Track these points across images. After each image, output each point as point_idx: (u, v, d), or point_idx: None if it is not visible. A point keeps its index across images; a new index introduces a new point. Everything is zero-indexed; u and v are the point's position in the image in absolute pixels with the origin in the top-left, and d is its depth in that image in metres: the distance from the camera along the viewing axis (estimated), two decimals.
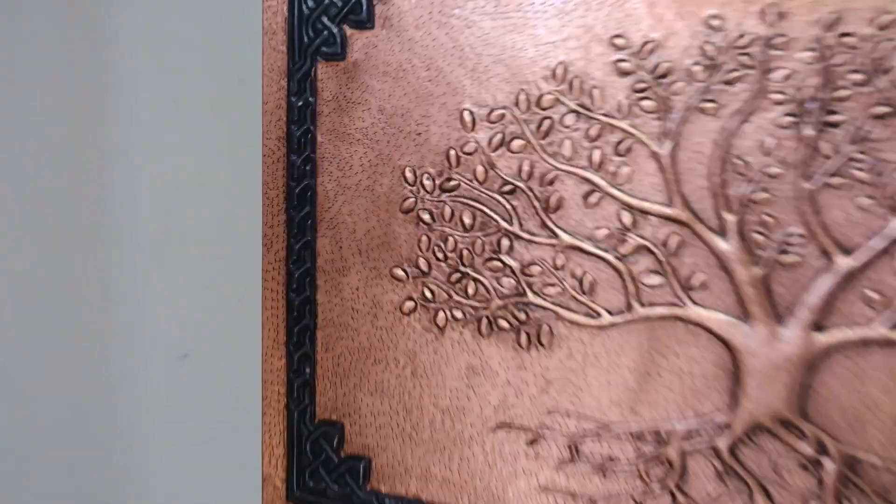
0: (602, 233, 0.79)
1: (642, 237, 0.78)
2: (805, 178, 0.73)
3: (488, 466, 0.84)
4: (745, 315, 0.76)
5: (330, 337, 0.89)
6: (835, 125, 0.72)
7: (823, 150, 0.73)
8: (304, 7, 0.87)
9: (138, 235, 1.14)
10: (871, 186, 0.72)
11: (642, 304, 0.79)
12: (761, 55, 0.73)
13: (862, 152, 0.72)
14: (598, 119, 0.79)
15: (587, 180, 0.79)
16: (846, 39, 0.72)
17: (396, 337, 0.86)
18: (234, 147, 0.92)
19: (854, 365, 0.73)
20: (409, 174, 0.85)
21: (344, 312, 0.88)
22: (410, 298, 0.86)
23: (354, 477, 0.89)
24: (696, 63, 0.75)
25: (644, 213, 0.78)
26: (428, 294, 0.85)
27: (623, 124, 0.78)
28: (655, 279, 0.78)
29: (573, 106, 0.79)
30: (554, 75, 0.79)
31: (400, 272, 0.86)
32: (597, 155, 0.79)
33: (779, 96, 0.74)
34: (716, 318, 0.76)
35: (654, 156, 0.77)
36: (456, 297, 0.84)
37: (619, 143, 0.78)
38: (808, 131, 0.73)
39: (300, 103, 0.88)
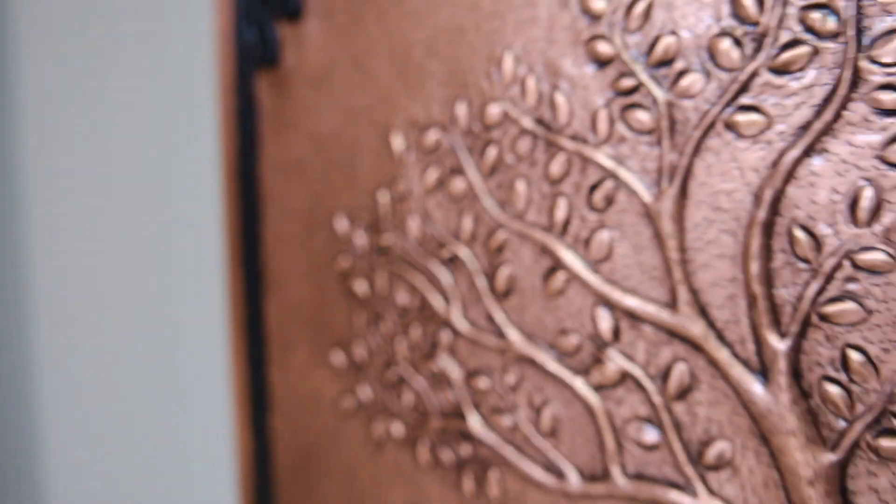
0: (570, 342, 0.37)
1: (629, 358, 0.35)
2: None
3: None
4: None
5: (282, 425, 0.55)
6: None
7: None
8: None
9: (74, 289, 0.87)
10: None
11: (626, 474, 0.36)
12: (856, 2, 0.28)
13: None
14: (562, 145, 0.37)
15: (547, 250, 0.38)
16: None
17: (338, 443, 0.51)
18: (198, 178, 0.62)
19: None
20: (341, 224, 0.48)
21: (293, 399, 0.54)
22: (349, 394, 0.49)
23: None
24: (723, 34, 0.31)
25: (633, 316, 0.35)
26: (364, 394, 0.48)
27: (599, 155, 0.35)
28: (649, 435, 0.35)
29: (526, 123, 0.38)
30: (501, 70, 0.39)
31: (337, 357, 0.50)
32: (562, 208, 0.37)
33: (888, 95, 0.27)
34: None
35: (648, 213, 0.34)
36: (392, 406, 0.47)
37: (594, 187, 0.36)
38: None
39: (244, 126, 0.55)
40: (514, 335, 0.39)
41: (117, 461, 0.80)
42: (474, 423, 0.41)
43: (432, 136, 0.41)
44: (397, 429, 0.45)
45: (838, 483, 0.29)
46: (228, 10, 0.53)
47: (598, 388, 0.36)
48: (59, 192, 0.85)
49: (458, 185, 0.40)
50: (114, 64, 0.72)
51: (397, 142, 0.43)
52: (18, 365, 0.97)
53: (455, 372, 0.42)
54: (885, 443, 0.28)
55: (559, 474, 0.37)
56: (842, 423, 0.29)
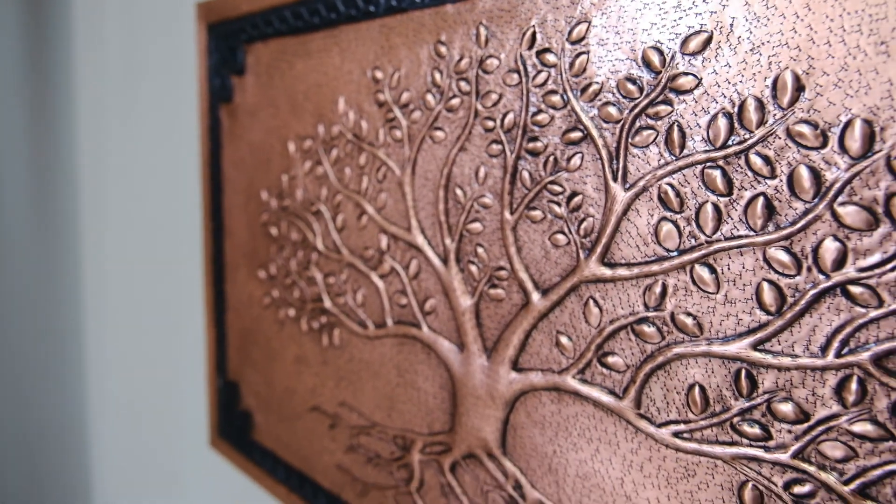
0: (369, 253, 0.54)
1: (394, 259, 0.52)
2: (508, 209, 0.43)
3: (308, 440, 0.62)
4: (460, 344, 0.47)
5: (232, 318, 0.72)
6: (535, 153, 0.42)
7: (524, 180, 0.42)
8: (210, 60, 0.69)
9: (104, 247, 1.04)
10: (565, 221, 0.40)
11: (394, 322, 0.53)
12: (475, 79, 0.44)
13: (556, 182, 0.41)
14: (364, 148, 0.53)
15: (358, 205, 0.54)
16: (546, 57, 0.41)
17: (261, 325, 0.67)
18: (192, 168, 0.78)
19: (547, 411, 0.42)
20: (263, 195, 0.65)
21: (237, 301, 0.71)
22: (268, 295, 0.66)
23: (246, 427, 0.71)
24: (429, 91, 0.48)
25: (395, 237, 0.52)
26: (275, 294, 0.65)
27: (380, 152, 0.51)
28: (403, 299, 0.52)
29: (350, 136, 0.54)
30: (337, 108, 0.55)
31: (262, 273, 0.66)
32: (365, 181, 0.53)
33: (489, 122, 0.44)
34: (440, 343, 0.49)
35: (399, 182, 0.51)
36: (288, 299, 0.63)
37: (378, 169, 0.52)
38: (510, 159, 0.43)
39: (213, 137, 0.71)
40: (345, 252, 0.55)
41: (140, 338, 0.95)
42: (327, 303, 0.57)
43: (307, 144, 0.57)
44: (291, 312, 0.61)
45: (475, 314, 0.46)
46: (205, 68, 0.69)
47: (382, 277, 0.52)
48: (105, 177, 1.00)
49: (319, 170, 0.57)
50: (145, 99, 0.88)
51: (291, 147, 0.59)
52: (73, 301, 1.11)
53: (318, 275, 0.58)
54: (492, 291, 0.44)
55: (365, 326, 0.54)
56: (475, 283, 0.45)
